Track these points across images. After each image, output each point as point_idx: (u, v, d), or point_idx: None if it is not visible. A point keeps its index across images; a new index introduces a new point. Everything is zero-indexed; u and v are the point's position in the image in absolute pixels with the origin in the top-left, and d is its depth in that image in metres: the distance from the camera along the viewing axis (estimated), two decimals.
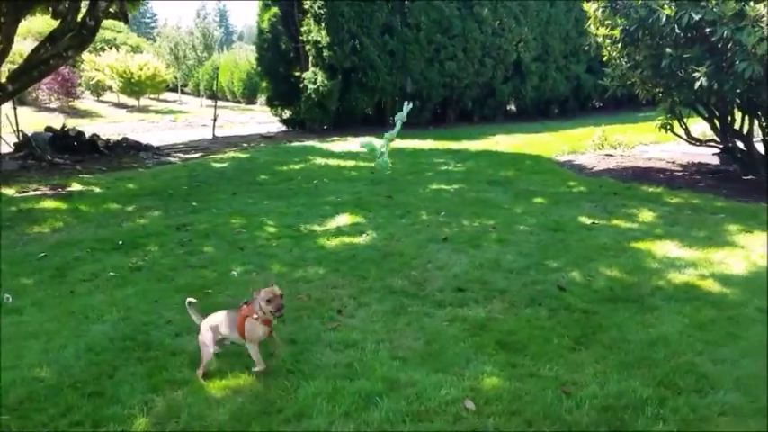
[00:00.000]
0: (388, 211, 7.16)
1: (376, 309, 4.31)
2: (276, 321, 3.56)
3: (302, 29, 16.28)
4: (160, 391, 3.22)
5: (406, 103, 4.54)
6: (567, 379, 3.28)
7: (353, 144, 13.30)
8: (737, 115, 8.95)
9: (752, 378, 3.27)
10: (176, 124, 23.01)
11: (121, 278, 5.02)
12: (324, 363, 3.55)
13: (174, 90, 37.88)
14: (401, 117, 4.60)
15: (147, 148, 13.41)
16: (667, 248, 5.50)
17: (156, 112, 29.86)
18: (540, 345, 3.69)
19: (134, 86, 30.69)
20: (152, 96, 34.34)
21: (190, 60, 37.78)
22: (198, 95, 38.09)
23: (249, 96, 35.54)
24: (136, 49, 36.56)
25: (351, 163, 10.83)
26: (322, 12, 15.63)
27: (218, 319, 3.50)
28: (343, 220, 6.78)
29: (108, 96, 32.59)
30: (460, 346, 3.70)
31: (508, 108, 20.66)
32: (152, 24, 67.92)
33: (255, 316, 3.43)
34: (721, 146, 9.26)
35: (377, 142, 4.64)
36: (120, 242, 6.02)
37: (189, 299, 3.62)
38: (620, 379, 3.26)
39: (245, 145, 14.20)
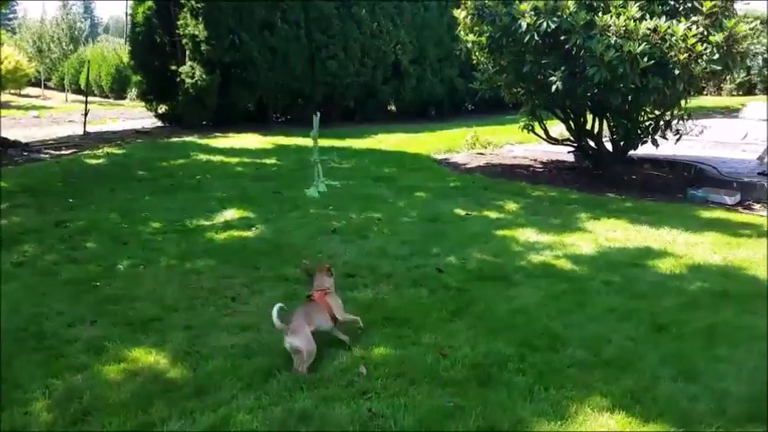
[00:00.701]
0: (277, 205, 7.33)
1: (270, 295, 4.49)
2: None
3: (179, 22, 15.87)
4: (60, 376, 3.27)
5: (315, 115, 4.98)
6: (444, 344, 3.74)
7: (237, 140, 13.23)
8: (589, 117, 9.72)
9: (595, 337, 3.89)
10: (41, 120, 21.37)
11: (4, 273, 4.85)
12: (221, 345, 3.73)
13: (37, 85, 35.08)
14: (314, 134, 5.07)
15: (16, 144, 12.49)
16: (528, 234, 6.19)
17: (18, 107, 27.44)
18: (422, 318, 4.13)
19: None
20: (13, 92, 31.63)
21: (54, 53, 35.13)
22: (63, 90, 35.53)
23: (118, 91, 33.69)
24: None
25: (235, 159, 10.79)
26: (199, 6, 15.35)
27: (307, 316, 3.53)
28: (231, 214, 6.86)
29: None
30: None
31: (389, 108, 21.27)
32: (10, 15, 62.00)
33: (329, 289, 3.75)
34: (575, 145, 10.06)
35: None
36: None
37: (278, 305, 3.47)
38: (487, 342, 3.76)
39: (119, 141, 13.61)
